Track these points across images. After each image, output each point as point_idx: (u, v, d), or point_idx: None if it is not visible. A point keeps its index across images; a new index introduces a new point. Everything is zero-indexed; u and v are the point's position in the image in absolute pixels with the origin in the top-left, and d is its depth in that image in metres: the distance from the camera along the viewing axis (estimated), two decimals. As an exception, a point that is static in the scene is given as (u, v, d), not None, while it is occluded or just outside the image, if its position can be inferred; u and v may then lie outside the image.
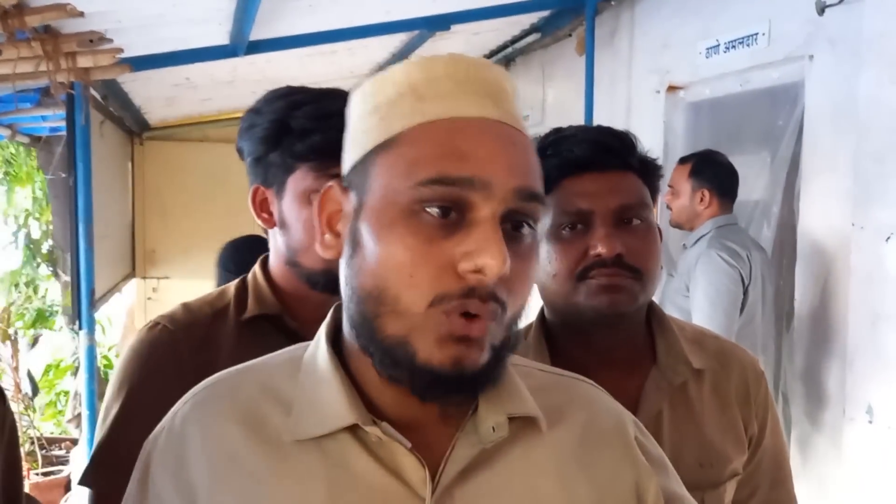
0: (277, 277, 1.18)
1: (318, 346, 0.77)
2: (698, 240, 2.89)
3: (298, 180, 1.12)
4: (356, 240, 0.70)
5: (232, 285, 1.21)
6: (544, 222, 1.07)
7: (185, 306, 1.18)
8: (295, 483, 0.70)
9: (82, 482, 1.09)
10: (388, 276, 0.66)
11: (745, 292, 2.76)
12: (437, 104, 0.68)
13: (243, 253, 3.04)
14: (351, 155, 0.74)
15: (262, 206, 1.18)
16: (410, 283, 0.65)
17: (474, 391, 0.70)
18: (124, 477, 1.05)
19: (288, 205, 1.14)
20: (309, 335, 1.12)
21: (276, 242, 1.19)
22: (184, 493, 0.73)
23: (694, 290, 2.79)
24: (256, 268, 1.21)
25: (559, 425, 0.77)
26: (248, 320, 1.14)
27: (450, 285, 0.65)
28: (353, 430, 0.71)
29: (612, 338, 1.10)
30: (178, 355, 1.10)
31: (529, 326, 1.16)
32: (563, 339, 1.13)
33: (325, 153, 1.09)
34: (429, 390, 0.68)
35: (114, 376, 1.12)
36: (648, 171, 1.12)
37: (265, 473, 0.71)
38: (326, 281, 1.11)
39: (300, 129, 1.11)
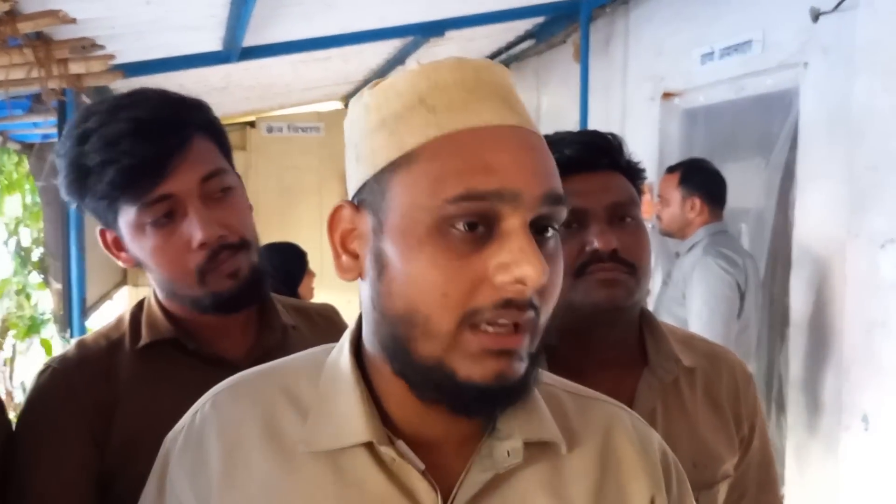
0: (167, 305, 1.13)
1: (341, 354, 0.76)
2: (692, 248, 2.89)
3: (125, 219, 1.05)
4: (381, 262, 0.68)
5: (127, 313, 1.16)
6: None
7: (80, 342, 1.13)
8: (305, 494, 0.70)
9: None
10: (419, 297, 0.65)
11: (742, 299, 2.75)
12: (451, 115, 0.66)
13: (280, 257, 3.04)
14: (359, 173, 0.70)
15: (116, 247, 1.11)
16: (443, 302, 0.64)
17: (514, 401, 0.69)
18: None
19: (130, 244, 1.07)
20: (214, 352, 1.10)
21: (151, 278, 1.13)
22: (199, 492, 0.73)
23: (691, 297, 2.79)
24: (150, 293, 1.16)
25: (579, 451, 0.76)
26: (145, 347, 1.10)
27: (483, 299, 0.64)
28: (368, 445, 0.70)
29: (606, 338, 1.12)
30: (72, 394, 1.05)
31: None
32: (558, 341, 1.13)
33: (129, 185, 1.01)
34: (473, 406, 0.67)
35: (17, 429, 1.07)
36: (633, 172, 1.15)
37: (277, 483, 0.71)
38: (213, 303, 1.07)
39: (95, 168, 1.01)
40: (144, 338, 1.10)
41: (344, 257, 0.72)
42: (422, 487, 0.69)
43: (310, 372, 0.77)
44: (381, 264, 0.68)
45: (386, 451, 0.69)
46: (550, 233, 0.68)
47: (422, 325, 0.65)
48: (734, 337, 2.72)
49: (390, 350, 0.69)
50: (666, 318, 2.82)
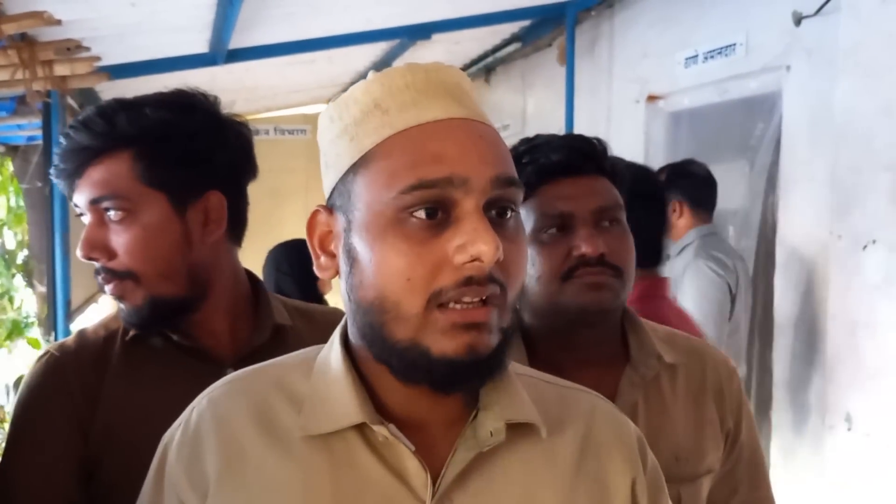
0: None
1: (332, 348, 0.80)
2: (682, 250, 2.89)
3: None
4: (351, 256, 0.73)
5: None
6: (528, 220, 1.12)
7: (80, 332, 1.17)
8: (301, 478, 0.73)
9: None
10: (386, 283, 0.69)
11: (733, 301, 2.76)
12: (402, 114, 0.71)
13: (296, 254, 3.04)
14: (329, 179, 0.77)
15: None
16: (408, 286, 0.68)
17: (489, 375, 0.73)
18: None
19: None
20: (200, 347, 1.12)
21: None
22: (197, 485, 0.76)
23: (682, 300, 2.79)
24: None
25: (560, 435, 0.80)
26: (135, 339, 1.13)
27: (446, 280, 0.68)
28: (360, 429, 0.74)
29: (590, 338, 1.14)
30: (63, 381, 1.09)
31: None
32: (541, 340, 1.16)
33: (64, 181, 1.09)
34: (448, 381, 0.71)
35: (13, 409, 1.12)
36: (617, 175, 1.17)
37: (272, 468, 0.75)
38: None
39: None
40: (132, 328, 1.13)
41: (322, 257, 0.78)
42: (412, 467, 0.73)
43: (302, 367, 0.81)
44: (351, 258, 0.73)
45: (379, 429, 0.72)
46: (510, 214, 0.73)
47: (392, 309, 0.70)
48: (725, 339, 2.73)
49: (368, 337, 0.74)
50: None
